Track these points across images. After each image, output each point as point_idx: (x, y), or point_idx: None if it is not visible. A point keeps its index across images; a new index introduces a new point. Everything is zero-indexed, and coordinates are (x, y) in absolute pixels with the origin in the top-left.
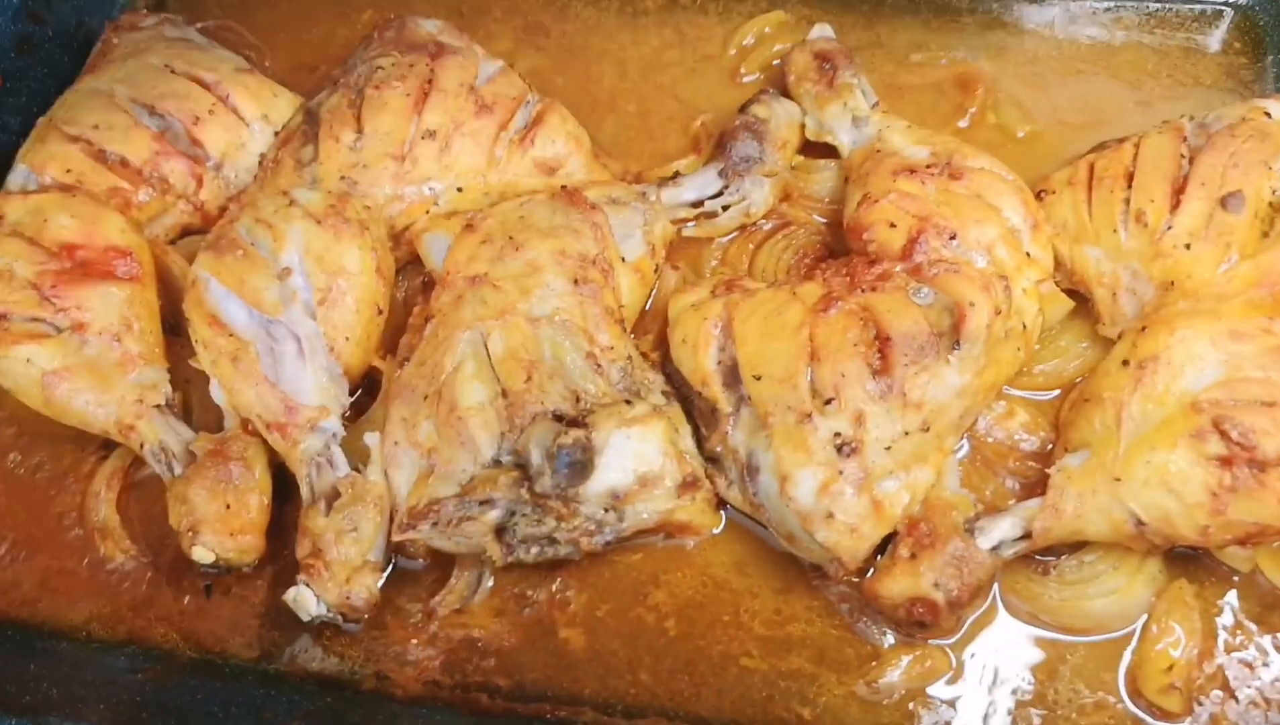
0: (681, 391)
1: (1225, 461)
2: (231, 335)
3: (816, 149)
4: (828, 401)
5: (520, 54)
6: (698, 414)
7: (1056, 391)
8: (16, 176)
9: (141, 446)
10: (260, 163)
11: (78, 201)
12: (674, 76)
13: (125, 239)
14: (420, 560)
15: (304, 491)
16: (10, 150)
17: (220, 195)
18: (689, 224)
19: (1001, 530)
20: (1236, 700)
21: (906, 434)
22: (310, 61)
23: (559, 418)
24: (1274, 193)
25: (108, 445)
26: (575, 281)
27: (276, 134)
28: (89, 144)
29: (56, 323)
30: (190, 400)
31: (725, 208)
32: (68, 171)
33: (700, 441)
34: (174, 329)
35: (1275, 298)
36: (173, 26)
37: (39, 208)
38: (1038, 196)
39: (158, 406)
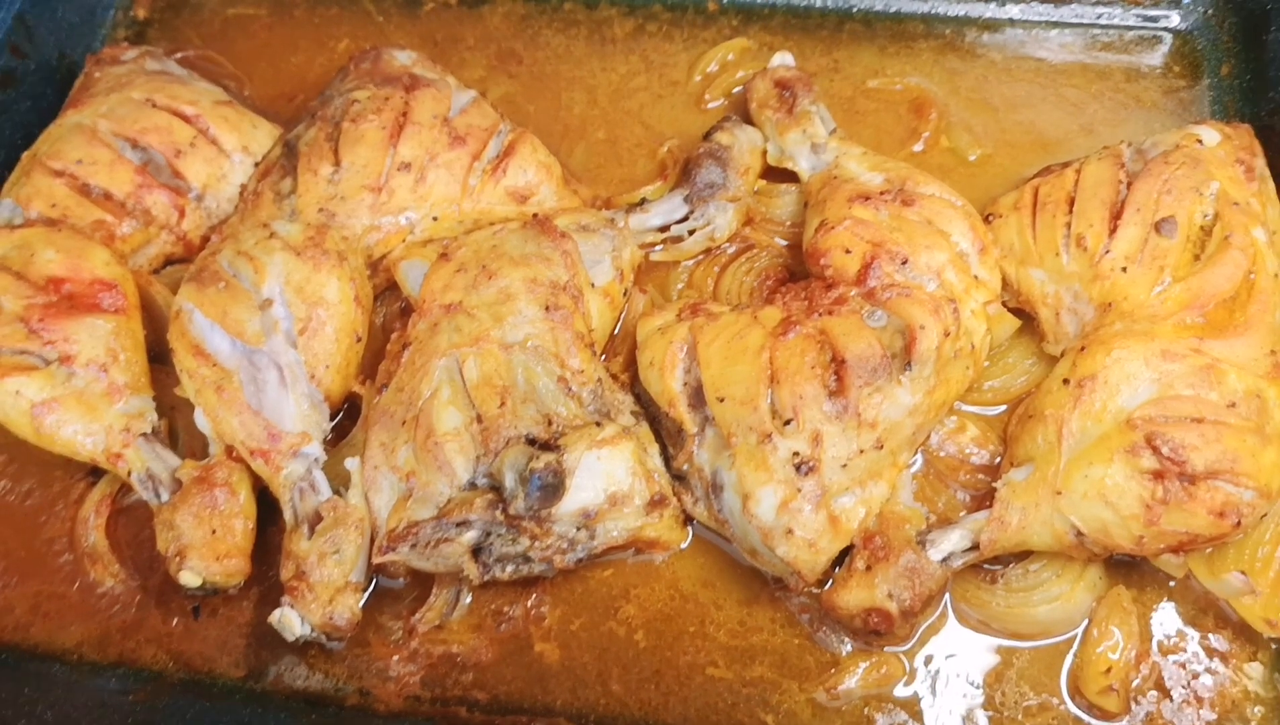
0: (650, 411)
1: (1157, 475)
2: (215, 365)
3: (778, 174)
4: (787, 422)
5: (493, 81)
6: (665, 433)
7: (1004, 407)
8: (2, 211)
9: (129, 474)
10: (241, 193)
11: (63, 235)
12: (641, 103)
13: (110, 271)
14: (400, 579)
15: (287, 515)
16: None
17: (202, 225)
18: (656, 248)
19: (951, 542)
20: (1171, 699)
21: (861, 452)
22: (289, 90)
23: (532, 441)
24: (1205, 217)
25: (95, 471)
26: (547, 308)
27: (256, 165)
28: (73, 178)
29: (44, 355)
30: (176, 427)
31: (691, 232)
32: (53, 206)
33: (668, 460)
34: (159, 357)
35: (1205, 319)
36: (153, 59)
37: (25, 242)
38: (986, 220)
39: (144, 435)
